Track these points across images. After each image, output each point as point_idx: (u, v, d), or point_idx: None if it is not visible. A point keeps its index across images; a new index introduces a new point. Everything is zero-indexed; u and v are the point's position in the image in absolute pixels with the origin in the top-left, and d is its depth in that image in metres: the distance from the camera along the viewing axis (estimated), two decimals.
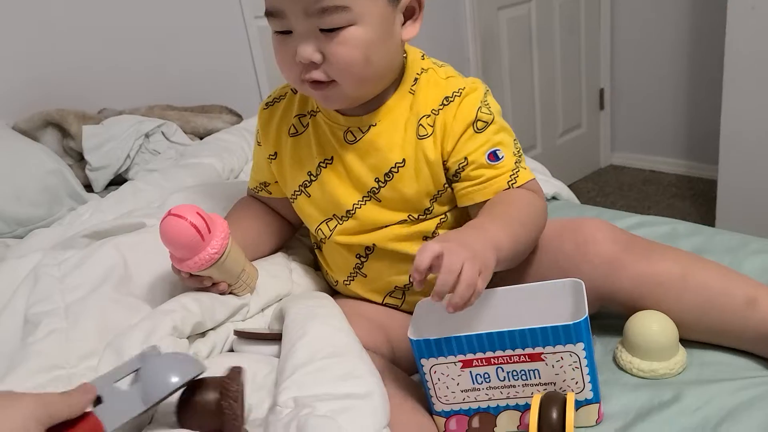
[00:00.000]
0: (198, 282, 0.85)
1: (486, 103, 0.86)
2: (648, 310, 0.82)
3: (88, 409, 0.60)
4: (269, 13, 0.79)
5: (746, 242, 1.03)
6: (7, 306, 0.83)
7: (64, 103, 1.67)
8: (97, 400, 0.61)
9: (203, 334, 0.82)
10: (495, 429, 0.76)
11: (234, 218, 0.98)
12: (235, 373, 0.67)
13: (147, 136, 1.62)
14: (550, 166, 1.54)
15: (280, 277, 0.93)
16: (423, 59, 0.90)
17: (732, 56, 2.19)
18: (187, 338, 0.78)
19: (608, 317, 0.89)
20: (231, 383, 0.66)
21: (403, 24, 0.82)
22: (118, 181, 1.56)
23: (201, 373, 0.66)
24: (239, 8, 2.13)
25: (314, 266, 1.03)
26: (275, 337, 0.82)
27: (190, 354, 0.76)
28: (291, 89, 0.94)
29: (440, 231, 0.89)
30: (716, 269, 0.85)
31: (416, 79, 0.87)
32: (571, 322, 0.69)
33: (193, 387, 0.66)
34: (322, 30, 0.76)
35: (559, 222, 0.90)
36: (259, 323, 0.88)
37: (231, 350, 0.84)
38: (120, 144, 1.56)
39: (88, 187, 1.54)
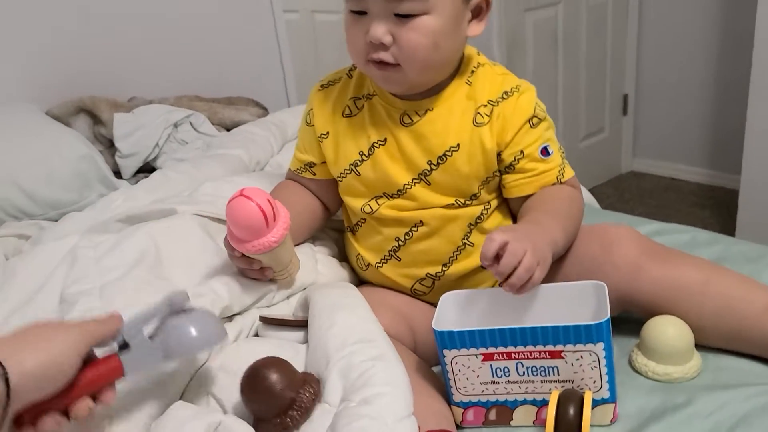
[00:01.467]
0: (247, 264, 0.86)
1: (538, 102, 0.93)
2: (665, 315, 0.83)
3: (113, 353, 0.64)
4: None
5: (765, 253, 1.04)
6: (45, 285, 0.87)
7: (95, 90, 1.71)
8: (125, 345, 0.65)
9: (230, 318, 0.85)
10: (511, 422, 0.78)
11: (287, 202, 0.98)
12: (316, 387, 0.71)
13: (175, 125, 1.65)
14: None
15: (306, 266, 0.95)
16: (479, 55, 0.95)
17: (759, 66, 2.19)
18: None
19: (626, 321, 0.91)
20: (308, 395, 0.70)
21: (470, 21, 0.87)
22: (146, 168, 1.59)
23: (223, 341, 0.70)
24: (269, 2, 2.17)
25: (339, 257, 1.05)
26: (300, 324, 0.85)
27: (214, 315, 0.77)
28: (347, 74, 0.98)
29: (484, 218, 0.94)
30: (736, 276, 0.87)
31: (473, 72, 0.92)
32: (593, 323, 0.71)
33: (277, 372, 0.69)
34: (396, 14, 0.80)
35: (585, 225, 0.93)
36: (284, 310, 0.91)
37: (256, 335, 0.87)
38: (149, 132, 1.60)
39: (117, 174, 1.57)
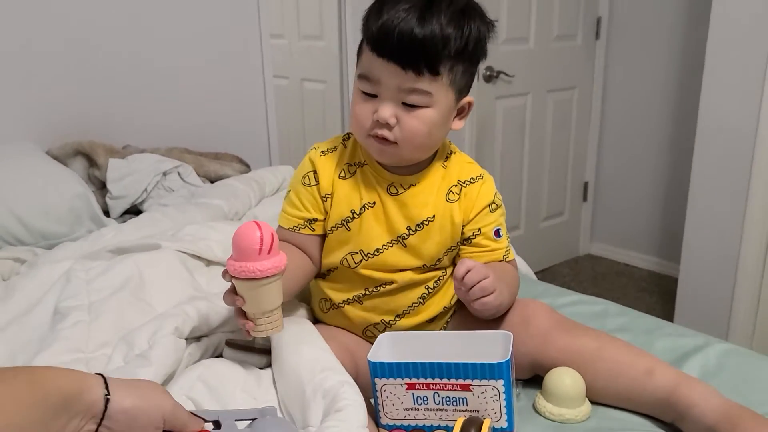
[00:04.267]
0: (231, 300, 0.92)
1: (497, 191, 1.12)
2: (565, 366, 0.99)
3: (207, 428, 0.74)
4: (365, 77, 0.99)
5: (661, 326, 1.21)
6: (42, 300, 1.01)
7: (92, 135, 1.86)
8: (217, 424, 0.75)
9: (198, 339, 0.99)
10: None
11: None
12: None
13: (164, 174, 1.80)
14: (531, 248, 1.72)
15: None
16: (450, 144, 1.14)
17: (698, 169, 2.43)
18: (186, 340, 0.95)
19: (537, 378, 1.06)
20: None
21: (455, 117, 1.05)
22: (132, 210, 1.74)
23: None
24: (261, 67, 2.36)
25: (297, 298, 1.20)
26: (261, 351, 0.99)
27: (294, 427, 0.85)
28: (342, 143, 1.12)
29: (440, 284, 1.11)
30: (625, 346, 1.04)
31: (447, 157, 1.11)
32: (495, 362, 0.86)
33: None
34: (404, 103, 0.97)
35: None
36: (247, 337, 1.04)
37: (220, 356, 1.01)
38: (140, 178, 1.75)
39: (106, 213, 1.72)
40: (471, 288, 0.96)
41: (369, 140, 1.02)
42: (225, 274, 0.92)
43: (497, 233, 1.11)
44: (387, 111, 0.97)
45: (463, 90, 1.02)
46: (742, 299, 2.38)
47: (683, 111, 3.03)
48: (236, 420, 0.77)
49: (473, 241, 1.10)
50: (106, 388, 0.63)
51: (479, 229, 1.10)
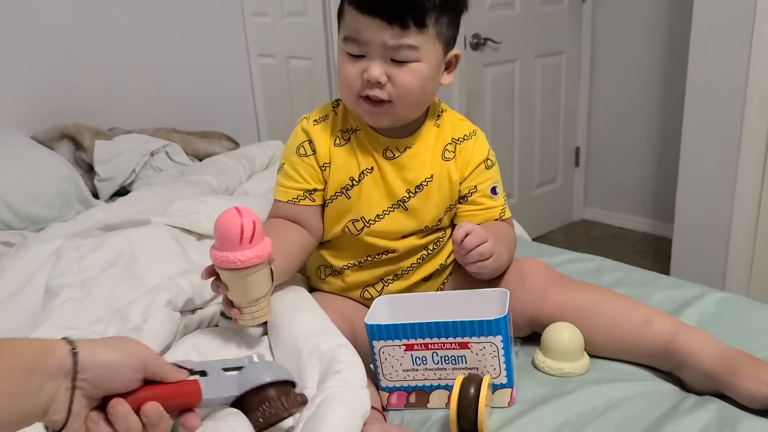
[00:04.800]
0: (215, 288, 0.89)
1: (490, 148, 1.12)
2: (562, 321, 0.99)
3: (193, 377, 0.71)
4: (350, 38, 0.97)
5: (657, 279, 1.21)
6: (32, 278, 1.00)
7: (78, 119, 1.85)
8: (203, 373, 0.72)
9: (193, 311, 0.98)
10: (428, 405, 0.92)
11: (281, 240, 0.99)
12: (299, 399, 0.75)
13: (152, 154, 1.79)
14: (525, 216, 1.72)
15: None
16: (440, 102, 1.13)
17: (689, 127, 2.43)
18: (180, 313, 0.94)
19: (535, 335, 1.06)
20: (285, 401, 0.73)
21: (443, 71, 1.04)
22: (121, 192, 1.72)
23: (289, 379, 0.74)
24: (245, 46, 2.34)
25: None
26: None
27: (286, 368, 0.79)
28: (332, 110, 1.10)
29: (440, 245, 1.11)
30: (621, 297, 1.04)
31: (439, 115, 1.10)
32: (492, 318, 0.86)
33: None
34: (393, 60, 0.96)
35: None
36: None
37: (216, 326, 1.00)
38: (127, 159, 1.74)
39: (95, 196, 1.70)
40: (469, 251, 0.96)
41: (359, 103, 1.01)
42: (213, 270, 0.88)
43: (493, 190, 1.11)
44: (377, 69, 0.96)
45: (449, 42, 1.01)
46: (736, 255, 2.39)
47: (672, 71, 3.02)
48: (223, 369, 0.74)
49: (470, 198, 1.10)
50: (73, 346, 0.61)
51: (475, 187, 1.09)
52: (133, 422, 0.63)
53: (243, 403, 0.73)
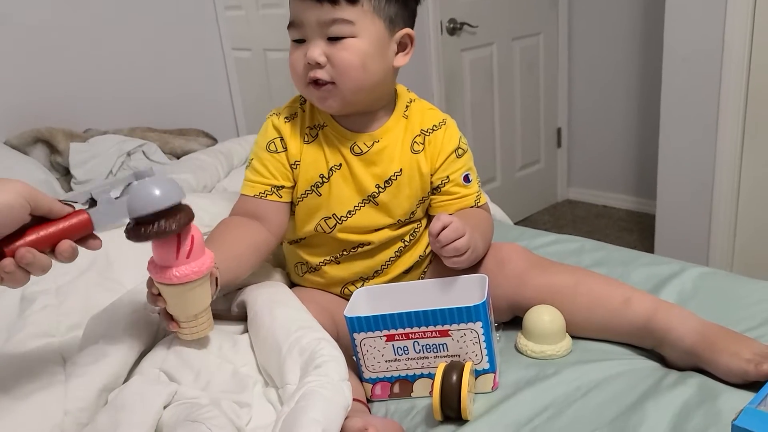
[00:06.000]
0: (152, 301, 0.85)
1: (461, 135, 1.10)
2: (543, 304, 0.99)
3: (82, 208, 0.70)
4: (291, 24, 0.99)
5: (637, 257, 1.22)
6: (6, 288, 0.98)
7: (52, 122, 1.82)
8: (93, 203, 0.71)
9: None
10: (412, 394, 0.92)
11: (231, 244, 0.99)
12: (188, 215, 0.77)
13: (129, 154, 1.77)
14: (509, 198, 1.71)
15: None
16: (408, 92, 1.11)
17: (667, 101, 2.43)
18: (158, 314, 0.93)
19: (516, 320, 1.06)
20: (181, 217, 0.75)
21: (396, 53, 1.02)
22: None
23: (181, 201, 0.74)
24: (219, 40, 2.31)
25: (272, 263, 1.18)
26: (237, 317, 0.98)
27: (176, 180, 0.78)
28: (300, 107, 1.09)
29: (416, 236, 1.10)
30: (601, 278, 1.04)
31: (407, 106, 1.09)
32: (472, 305, 0.86)
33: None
34: (329, 39, 0.96)
35: None
36: (222, 305, 1.03)
37: None
38: (104, 161, 1.71)
39: None
40: (445, 246, 0.95)
41: (309, 89, 1.01)
42: (151, 283, 0.85)
43: (466, 178, 1.10)
44: (315, 50, 0.96)
45: (395, 20, 1.00)
46: (719, 227, 2.40)
47: (650, 47, 3.02)
48: (113, 191, 0.71)
49: (443, 189, 1.09)
50: None
51: (447, 177, 1.08)
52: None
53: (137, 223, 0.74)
